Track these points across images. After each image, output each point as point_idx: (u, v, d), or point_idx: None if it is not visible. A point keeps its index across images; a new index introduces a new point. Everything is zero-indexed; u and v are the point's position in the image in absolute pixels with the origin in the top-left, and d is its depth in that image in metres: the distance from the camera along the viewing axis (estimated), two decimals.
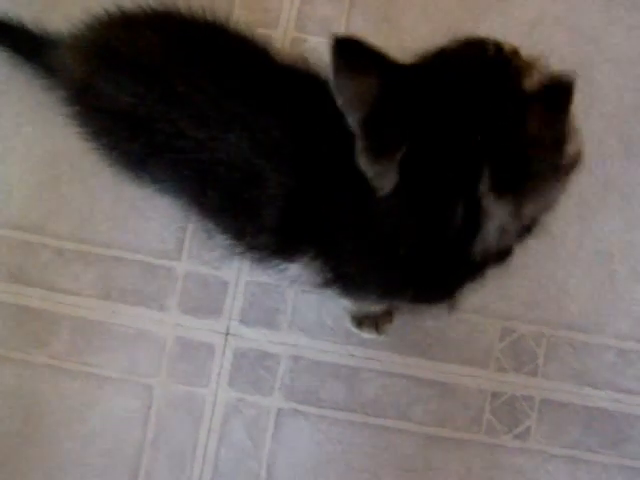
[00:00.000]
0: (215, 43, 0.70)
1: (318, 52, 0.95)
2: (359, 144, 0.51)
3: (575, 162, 0.55)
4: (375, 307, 0.87)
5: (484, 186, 0.51)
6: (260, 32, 0.96)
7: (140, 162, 0.73)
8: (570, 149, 0.53)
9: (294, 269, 0.67)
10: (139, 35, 0.67)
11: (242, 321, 0.93)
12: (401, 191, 0.52)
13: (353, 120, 0.51)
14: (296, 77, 0.67)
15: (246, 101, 0.63)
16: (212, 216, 0.73)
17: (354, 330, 0.91)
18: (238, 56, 0.69)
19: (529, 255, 0.94)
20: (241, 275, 0.93)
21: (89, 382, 0.92)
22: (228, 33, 0.71)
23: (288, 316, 0.93)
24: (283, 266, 0.67)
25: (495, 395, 0.92)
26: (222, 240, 0.75)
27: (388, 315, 0.91)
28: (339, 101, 0.50)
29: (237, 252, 0.73)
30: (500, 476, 0.90)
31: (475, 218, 0.52)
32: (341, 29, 0.99)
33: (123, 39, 0.68)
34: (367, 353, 0.92)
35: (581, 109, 0.96)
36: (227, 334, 0.93)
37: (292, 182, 0.61)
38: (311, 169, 0.61)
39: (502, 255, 0.58)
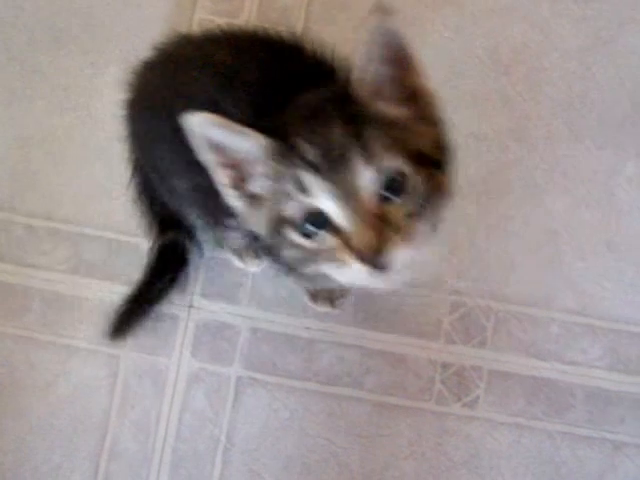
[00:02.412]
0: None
1: None
2: None
3: None
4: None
5: None
6: (223, 21, 1.02)
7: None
8: None
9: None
10: (214, 49, 0.73)
11: (204, 295, 0.97)
12: None
13: None
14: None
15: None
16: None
17: (309, 304, 0.96)
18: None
19: (479, 233, 0.99)
20: (203, 251, 0.98)
21: (59, 352, 0.97)
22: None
23: (247, 290, 0.98)
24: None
25: (445, 366, 0.97)
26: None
27: (342, 290, 0.95)
28: None
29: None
30: (449, 442, 0.95)
31: None
32: (301, 18, 1.03)
33: (201, 52, 0.74)
34: (322, 325, 0.97)
35: (531, 96, 1.03)
36: (190, 307, 0.97)
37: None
38: None
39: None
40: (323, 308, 0.95)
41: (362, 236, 0.52)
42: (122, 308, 0.89)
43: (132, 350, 0.96)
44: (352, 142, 0.53)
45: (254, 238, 0.65)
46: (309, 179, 0.53)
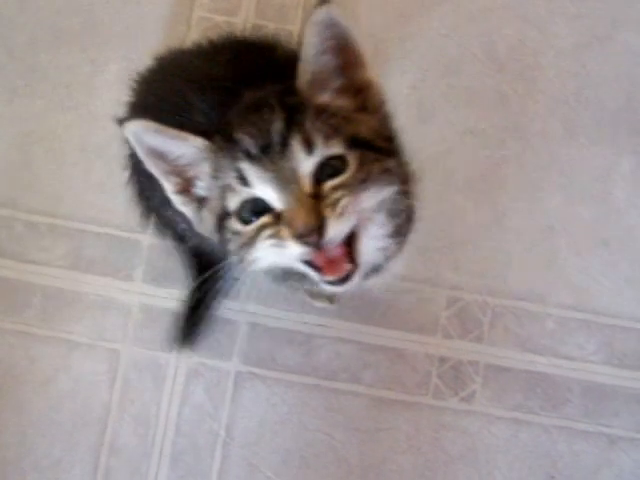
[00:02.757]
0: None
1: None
2: None
3: None
4: None
5: None
6: (221, 19, 1.03)
7: None
8: None
9: None
10: (197, 60, 0.77)
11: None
12: None
13: None
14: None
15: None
16: None
17: (307, 299, 0.96)
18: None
19: (475, 228, 1.00)
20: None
21: (59, 347, 0.97)
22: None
23: (246, 285, 0.98)
24: None
25: (442, 360, 0.97)
26: None
27: None
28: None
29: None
30: (446, 436, 0.96)
31: None
32: (298, 16, 1.04)
33: (187, 63, 0.77)
34: (320, 320, 0.98)
35: (527, 93, 1.04)
36: None
37: None
38: None
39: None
40: (321, 303, 0.96)
41: (299, 218, 0.54)
42: (184, 316, 0.92)
43: (132, 345, 0.97)
44: (290, 131, 0.55)
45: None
46: (248, 169, 0.55)
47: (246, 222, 0.57)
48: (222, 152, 0.57)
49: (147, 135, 0.56)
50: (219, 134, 0.58)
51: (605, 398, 0.96)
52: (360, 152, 0.56)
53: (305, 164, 0.55)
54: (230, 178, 0.57)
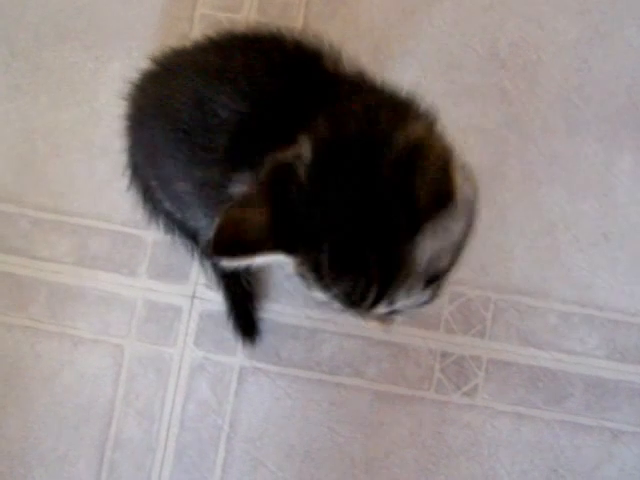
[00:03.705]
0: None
1: None
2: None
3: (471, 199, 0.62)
4: None
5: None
6: (224, 16, 1.04)
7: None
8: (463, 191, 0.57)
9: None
10: (203, 55, 0.76)
11: (207, 285, 0.99)
12: None
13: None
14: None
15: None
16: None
17: (311, 294, 0.97)
18: None
19: (478, 225, 1.00)
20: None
21: (64, 342, 0.98)
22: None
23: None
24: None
25: (444, 355, 0.98)
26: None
27: None
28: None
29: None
30: (449, 431, 0.97)
31: None
32: (300, 14, 1.05)
33: (192, 59, 0.77)
34: (324, 315, 0.98)
35: (529, 89, 1.04)
36: (193, 297, 0.99)
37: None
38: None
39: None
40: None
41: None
42: (233, 317, 0.94)
43: (136, 340, 0.98)
44: (379, 301, 0.58)
45: None
46: (335, 304, 0.61)
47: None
48: (309, 275, 0.59)
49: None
50: (306, 258, 0.58)
51: (607, 393, 0.97)
52: (436, 285, 0.61)
53: (384, 310, 0.61)
54: (316, 290, 0.60)
